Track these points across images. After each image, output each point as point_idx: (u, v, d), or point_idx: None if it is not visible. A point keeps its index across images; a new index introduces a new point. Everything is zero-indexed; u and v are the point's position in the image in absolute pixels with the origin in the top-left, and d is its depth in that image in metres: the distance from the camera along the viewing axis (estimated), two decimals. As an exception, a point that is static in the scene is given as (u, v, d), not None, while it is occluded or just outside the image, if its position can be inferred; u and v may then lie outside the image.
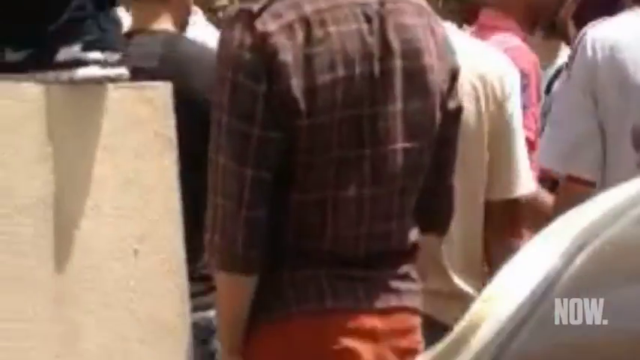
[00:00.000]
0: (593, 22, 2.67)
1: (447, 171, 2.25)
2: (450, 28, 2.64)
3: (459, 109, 2.23)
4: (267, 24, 2.02)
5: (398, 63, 2.09)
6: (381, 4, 2.10)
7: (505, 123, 2.66)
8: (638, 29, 2.50)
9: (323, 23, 2.04)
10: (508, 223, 2.72)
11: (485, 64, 2.66)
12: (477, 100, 2.61)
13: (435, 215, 2.26)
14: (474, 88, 2.60)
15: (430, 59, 2.13)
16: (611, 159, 2.49)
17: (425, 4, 2.22)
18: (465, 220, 2.63)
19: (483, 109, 2.62)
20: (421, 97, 2.12)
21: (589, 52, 2.51)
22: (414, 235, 2.19)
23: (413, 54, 2.11)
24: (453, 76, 2.20)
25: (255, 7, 2.03)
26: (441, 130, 2.17)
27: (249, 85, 2.02)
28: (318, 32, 2.03)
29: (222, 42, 2.09)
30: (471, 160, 2.63)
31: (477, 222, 2.69)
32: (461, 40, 2.66)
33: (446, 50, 2.18)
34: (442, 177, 2.23)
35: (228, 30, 2.06)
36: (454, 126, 2.23)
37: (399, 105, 2.10)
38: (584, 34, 2.56)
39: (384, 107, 2.10)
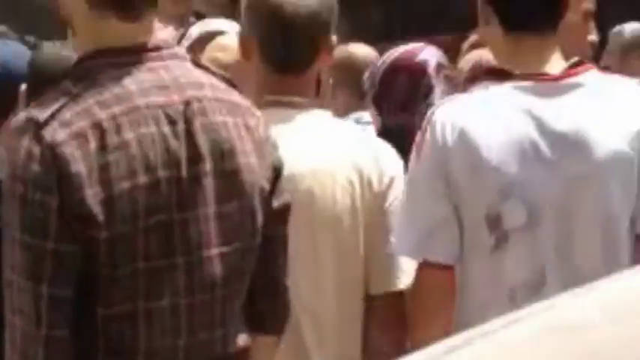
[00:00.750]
0: (441, 101, 2.64)
1: (277, 271, 2.18)
2: (325, 118, 2.59)
3: (285, 207, 2.14)
4: (56, 133, 1.90)
5: (208, 165, 2.00)
6: (187, 104, 1.99)
7: (383, 215, 2.53)
8: (487, 109, 2.42)
9: (119, 129, 1.92)
10: (394, 318, 2.55)
11: (363, 155, 2.53)
12: (353, 193, 2.49)
13: (267, 317, 2.20)
14: (350, 182, 2.49)
15: (245, 158, 2.04)
16: (467, 243, 2.43)
17: (241, 100, 2.11)
18: (343, 317, 2.54)
19: (359, 202, 2.50)
20: (237, 198, 2.04)
21: (439, 135, 2.40)
22: (242, 339, 2.11)
23: (224, 154, 2.02)
24: (276, 173, 2.11)
25: (43, 115, 1.91)
26: (265, 230, 2.10)
27: (40, 199, 1.90)
28: (113, 139, 1.92)
29: (9, 153, 1.94)
30: (347, 254, 2.52)
31: (355, 318, 2.56)
32: (338, 129, 2.61)
33: (267, 147, 2.10)
34: (271, 277, 2.17)
35: (15, 140, 1.93)
36: (281, 224, 2.15)
37: (211, 208, 2.01)
38: (433, 114, 2.46)
39: (195, 212, 1.99)
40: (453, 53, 4.61)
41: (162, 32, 2.09)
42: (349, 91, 3.99)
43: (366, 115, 3.87)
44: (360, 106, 3.92)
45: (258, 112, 2.13)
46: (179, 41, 3.27)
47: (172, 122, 1.97)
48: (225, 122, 2.03)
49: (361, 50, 4.20)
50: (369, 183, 2.50)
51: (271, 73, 2.54)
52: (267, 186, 2.08)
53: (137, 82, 1.98)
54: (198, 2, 9.15)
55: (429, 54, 3.39)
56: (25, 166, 1.91)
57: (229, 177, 2.02)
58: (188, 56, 2.11)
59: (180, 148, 1.97)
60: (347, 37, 4.15)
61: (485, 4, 2.52)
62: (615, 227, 2.44)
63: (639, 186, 2.45)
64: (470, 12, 2.76)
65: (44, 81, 2.82)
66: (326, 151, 2.51)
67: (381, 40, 9.55)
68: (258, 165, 2.07)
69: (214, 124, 2.01)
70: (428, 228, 2.43)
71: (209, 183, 2.00)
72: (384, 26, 10.05)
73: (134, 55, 2.00)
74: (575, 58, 2.54)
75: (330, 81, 3.90)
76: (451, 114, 2.43)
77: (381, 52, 3.63)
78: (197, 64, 2.11)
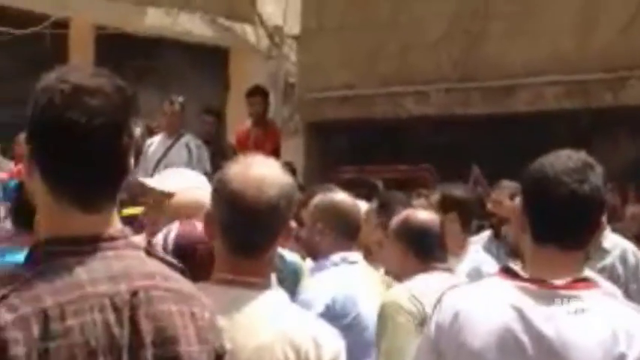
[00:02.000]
0: (452, 287, 2.91)
1: None
2: (274, 298, 2.71)
3: None
4: (1, 316, 1.94)
5: (149, 352, 2.05)
6: (133, 294, 2.06)
7: None
8: (485, 299, 2.71)
9: (63, 316, 1.98)
10: None
11: (301, 333, 2.65)
12: None
13: None
14: (286, 358, 2.61)
15: (187, 346, 2.10)
16: None
17: (189, 289, 2.19)
18: None
19: None
20: None
21: (440, 315, 2.72)
22: None
23: (166, 342, 2.08)
24: (219, 357, 2.19)
25: None
26: None
27: None
28: (56, 326, 1.97)
29: None
30: None
31: None
32: (283, 309, 2.72)
33: (210, 334, 2.17)
34: None
35: None
36: None
37: None
38: (443, 295, 2.79)
39: None
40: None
41: (119, 223, 2.16)
42: (335, 233, 4.38)
43: (353, 255, 4.35)
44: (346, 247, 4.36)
45: (206, 300, 2.21)
46: None
47: (117, 310, 2.04)
48: (170, 311, 2.10)
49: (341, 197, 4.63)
50: (307, 358, 2.61)
51: (230, 254, 2.67)
52: None
53: (88, 271, 2.04)
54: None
55: None
56: None
57: None
58: (142, 246, 2.17)
59: (122, 335, 2.03)
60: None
61: (522, 215, 2.74)
62: None
63: None
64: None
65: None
66: (266, 328, 2.62)
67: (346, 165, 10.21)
68: (199, 352, 2.12)
69: (159, 312, 2.08)
70: None
71: None
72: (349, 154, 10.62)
73: (89, 244, 2.07)
74: (584, 274, 2.73)
75: (319, 225, 4.38)
76: (454, 298, 2.73)
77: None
78: (151, 253, 2.17)
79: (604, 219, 2.76)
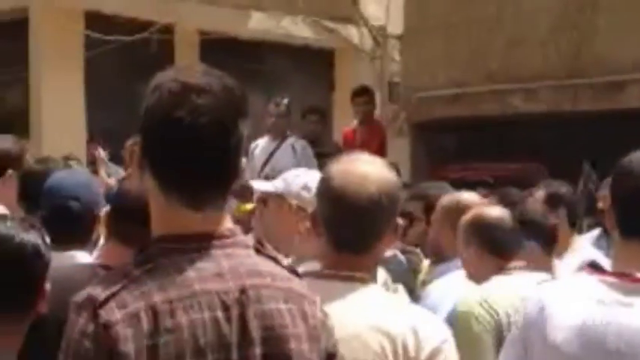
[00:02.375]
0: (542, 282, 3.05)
1: None
2: (375, 291, 2.71)
3: None
4: (112, 313, 2.00)
5: (258, 350, 2.08)
6: (242, 292, 2.08)
7: None
8: (570, 293, 2.74)
9: (173, 312, 2.02)
10: None
11: (399, 324, 2.62)
12: (385, 358, 2.59)
13: None
14: (382, 349, 2.59)
15: (297, 344, 2.12)
16: None
17: (300, 288, 2.21)
18: None
19: None
20: None
21: (529, 308, 2.80)
22: None
23: (275, 341, 2.10)
24: (331, 356, 2.21)
25: (103, 295, 2.02)
26: None
27: None
28: (166, 322, 2.01)
29: (67, 328, 2.05)
30: None
31: None
32: (382, 301, 2.72)
33: (322, 333, 2.19)
34: None
35: (73, 316, 2.04)
36: None
37: None
38: (536, 290, 2.91)
39: None
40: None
41: (229, 222, 2.17)
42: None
43: None
44: None
45: (317, 299, 2.23)
46: None
47: (226, 308, 2.06)
48: (279, 309, 2.11)
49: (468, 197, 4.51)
50: (405, 352, 2.59)
51: (334, 251, 2.70)
52: None
53: (196, 269, 2.07)
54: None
55: None
56: (78, 342, 2.00)
57: None
58: (252, 245, 2.19)
59: (231, 333, 2.05)
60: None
61: (611, 212, 2.76)
62: None
63: None
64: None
65: (126, 210, 3.18)
66: (361, 318, 2.61)
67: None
68: (309, 350, 2.14)
69: (268, 310, 2.10)
70: None
71: None
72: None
73: (198, 242, 2.10)
74: None
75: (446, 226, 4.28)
76: (541, 292, 2.81)
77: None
78: (261, 252, 2.19)
79: None
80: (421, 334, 2.60)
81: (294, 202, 3.72)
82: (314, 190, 2.93)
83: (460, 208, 4.29)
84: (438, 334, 2.64)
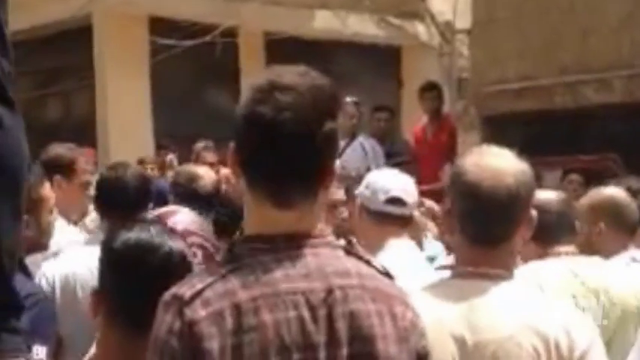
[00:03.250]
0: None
1: None
2: (517, 288, 2.71)
3: None
4: (197, 311, 2.04)
5: (345, 350, 2.09)
6: (329, 292, 2.10)
7: None
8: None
9: (257, 311, 2.05)
10: None
11: (551, 323, 2.61)
12: (538, 358, 2.58)
13: None
14: (535, 350, 2.58)
15: (384, 345, 2.12)
16: None
17: (389, 288, 2.20)
18: None
19: None
20: None
21: None
22: None
23: (363, 340, 2.10)
24: (421, 357, 2.19)
25: (188, 294, 2.07)
26: None
27: None
28: (250, 320, 2.04)
29: (155, 326, 2.11)
30: None
31: None
32: (528, 298, 2.71)
33: (412, 335, 2.18)
34: None
35: (161, 314, 2.10)
36: None
37: None
38: None
39: None
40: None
41: (318, 221, 2.19)
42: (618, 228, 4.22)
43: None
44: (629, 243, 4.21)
45: (409, 299, 2.23)
46: None
47: (312, 308, 2.08)
48: (367, 310, 2.12)
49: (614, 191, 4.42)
50: (558, 352, 2.58)
51: (469, 246, 2.71)
52: None
53: (282, 268, 2.10)
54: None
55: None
56: (165, 339, 2.05)
57: None
58: (341, 245, 2.21)
59: (317, 333, 2.07)
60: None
61: None
62: None
63: None
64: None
65: None
66: (511, 319, 2.61)
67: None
68: (398, 351, 2.13)
69: (356, 311, 2.11)
70: None
71: None
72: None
73: (285, 242, 2.13)
74: None
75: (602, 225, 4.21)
76: None
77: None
78: (350, 252, 2.21)
79: None
80: (573, 334, 2.60)
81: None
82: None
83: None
84: (588, 334, 2.64)
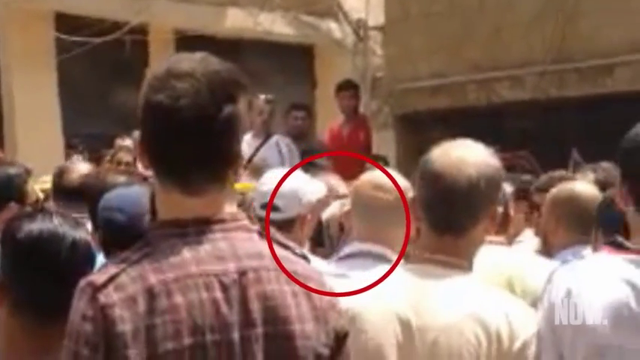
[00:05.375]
0: (562, 265, 2.98)
1: None
2: (470, 279, 2.83)
3: None
4: (110, 296, 2.12)
5: (260, 330, 2.17)
6: (242, 274, 2.18)
7: None
8: (595, 274, 2.73)
9: (169, 294, 2.13)
10: None
11: (494, 313, 2.73)
12: (479, 349, 2.69)
13: None
14: (477, 338, 2.69)
15: (301, 325, 2.21)
16: None
17: (305, 270, 2.29)
18: None
19: (483, 359, 2.70)
20: None
21: (552, 292, 2.76)
22: None
23: (278, 321, 2.19)
24: (340, 337, 2.27)
25: (101, 280, 2.14)
26: None
27: (87, 355, 2.12)
28: (162, 303, 2.12)
29: (71, 312, 2.18)
30: None
31: None
32: (476, 289, 2.83)
33: (330, 314, 2.26)
34: None
35: (76, 301, 2.16)
36: None
37: None
38: (552, 275, 2.83)
39: None
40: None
41: (230, 206, 2.25)
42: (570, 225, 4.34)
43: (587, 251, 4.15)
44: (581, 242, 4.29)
45: (324, 280, 2.31)
46: None
47: (225, 289, 2.16)
48: (282, 291, 2.20)
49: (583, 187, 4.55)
50: (499, 342, 2.68)
51: (430, 233, 2.86)
52: (325, 352, 2.23)
53: (194, 252, 2.17)
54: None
55: None
56: (79, 324, 2.12)
57: (282, 343, 2.18)
58: (255, 228, 2.28)
59: (231, 314, 2.15)
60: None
61: (623, 186, 2.77)
62: None
63: None
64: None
65: None
66: (456, 307, 2.73)
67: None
68: (315, 331, 2.21)
69: (270, 292, 2.19)
70: None
71: (259, 348, 2.16)
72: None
73: (195, 226, 2.20)
74: None
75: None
76: (563, 276, 2.78)
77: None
78: (264, 235, 2.28)
79: None
80: (515, 325, 2.71)
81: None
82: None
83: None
84: (531, 327, 2.73)
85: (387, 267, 3.14)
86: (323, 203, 4.75)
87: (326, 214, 5.01)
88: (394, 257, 3.58)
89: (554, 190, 4.50)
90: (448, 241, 2.83)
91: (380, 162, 8.78)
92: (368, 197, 3.66)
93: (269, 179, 4.47)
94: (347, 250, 3.74)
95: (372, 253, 3.58)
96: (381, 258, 3.55)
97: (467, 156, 2.82)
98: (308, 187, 4.45)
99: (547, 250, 4.35)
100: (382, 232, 3.61)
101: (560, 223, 4.34)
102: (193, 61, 2.22)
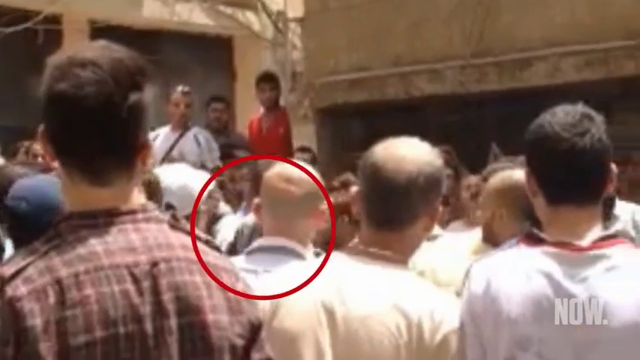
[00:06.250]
0: (480, 257, 3.05)
1: None
2: (403, 273, 2.87)
3: None
4: (18, 289, 2.09)
5: (172, 321, 2.17)
6: (153, 265, 2.18)
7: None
8: (513, 267, 2.77)
9: (80, 286, 2.10)
10: None
11: (416, 302, 2.79)
12: (399, 339, 2.75)
13: None
14: (398, 328, 2.75)
15: (214, 315, 2.21)
16: None
17: (217, 260, 2.29)
18: None
19: (404, 350, 2.75)
20: (204, 353, 2.20)
21: (471, 284, 2.81)
22: None
23: (191, 311, 2.19)
24: (254, 328, 2.28)
25: (9, 272, 2.12)
26: None
27: None
28: (73, 295, 2.09)
29: None
30: None
31: None
32: (407, 282, 2.87)
33: (243, 305, 2.27)
34: None
35: None
36: None
37: None
38: (471, 267, 2.88)
39: None
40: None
41: (139, 197, 2.26)
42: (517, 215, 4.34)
43: None
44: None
45: (237, 272, 2.33)
46: None
47: (136, 281, 2.15)
48: (194, 281, 2.20)
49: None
50: (420, 334, 2.74)
51: (369, 227, 2.91)
52: (240, 342, 2.23)
53: (104, 244, 2.16)
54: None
55: None
56: None
57: (195, 333, 2.18)
58: (165, 220, 2.27)
59: (143, 305, 2.14)
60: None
61: (530, 179, 2.85)
62: None
63: None
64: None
65: None
66: (381, 298, 2.78)
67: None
68: (229, 322, 2.22)
69: (182, 283, 2.19)
70: None
71: (173, 339, 2.16)
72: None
73: (104, 217, 2.19)
74: (610, 231, 2.82)
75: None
76: (483, 268, 2.83)
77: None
78: (175, 227, 2.27)
79: (614, 167, 2.84)
80: (437, 318, 2.76)
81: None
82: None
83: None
84: (455, 320, 2.79)
85: (298, 263, 3.21)
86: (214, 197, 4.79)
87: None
88: (304, 252, 3.63)
89: (495, 180, 4.55)
90: (385, 235, 2.89)
91: (307, 154, 8.81)
92: (277, 190, 3.70)
93: (168, 175, 4.54)
94: (256, 244, 3.76)
95: (281, 247, 3.62)
96: (291, 253, 3.59)
97: (408, 153, 2.87)
98: (197, 183, 4.50)
99: (492, 239, 4.40)
100: (292, 226, 3.66)
101: (505, 212, 4.37)
102: (96, 49, 2.21)
